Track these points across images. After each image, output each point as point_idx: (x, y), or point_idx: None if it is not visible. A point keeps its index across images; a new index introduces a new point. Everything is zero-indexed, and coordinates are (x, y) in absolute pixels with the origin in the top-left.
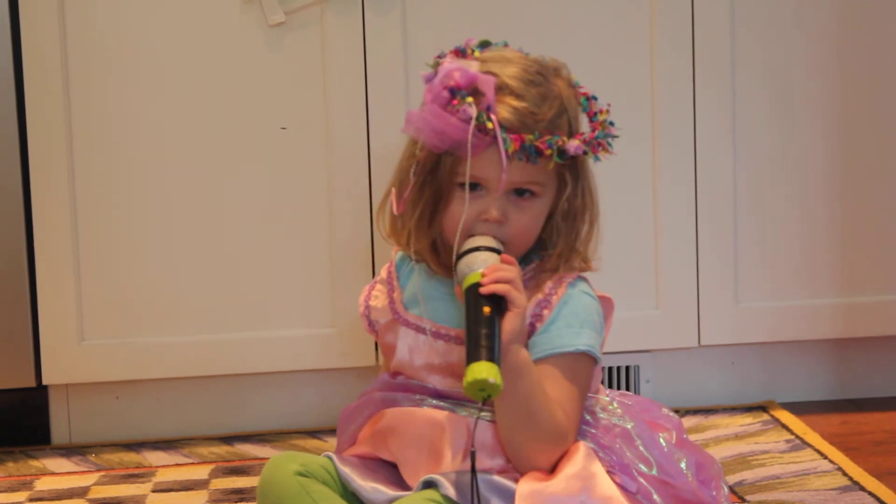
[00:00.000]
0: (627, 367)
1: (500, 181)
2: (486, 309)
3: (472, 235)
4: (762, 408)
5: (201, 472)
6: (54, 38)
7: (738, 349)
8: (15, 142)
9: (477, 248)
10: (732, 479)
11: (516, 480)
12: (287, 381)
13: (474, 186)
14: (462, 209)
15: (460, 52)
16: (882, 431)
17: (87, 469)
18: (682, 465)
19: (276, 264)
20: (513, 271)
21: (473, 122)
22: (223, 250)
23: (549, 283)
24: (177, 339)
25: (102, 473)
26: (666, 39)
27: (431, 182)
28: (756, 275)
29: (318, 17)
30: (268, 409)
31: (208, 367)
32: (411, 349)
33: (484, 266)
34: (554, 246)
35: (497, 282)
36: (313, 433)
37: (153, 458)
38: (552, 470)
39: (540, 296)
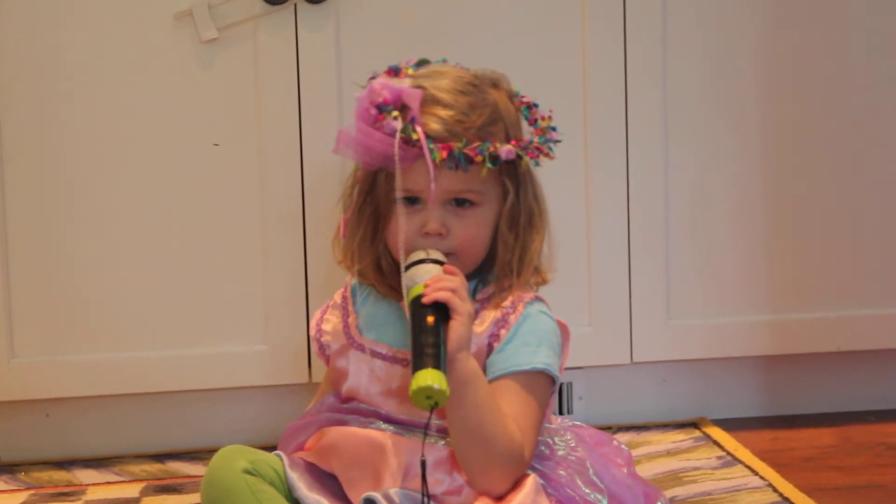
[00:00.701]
0: (561, 385)
1: (434, 191)
2: (430, 318)
3: (416, 251)
4: (694, 424)
5: (132, 490)
6: None
7: (670, 366)
8: None
9: (420, 261)
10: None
11: None
12: (219, 398)
13: (413, 201)
14: (403, 226)
15: (394, 71)
16: (812, 448)
17: (16, 487)
18: (633, 494)
19: (208, 281)
20: (455, 280)
21: (398, 135)
22: (155, 267)
23: (506, 303)
24: (108, 356)
25: (32, 492)
26: (599, 46)
27: (371, 201)
28: (688, 292)
29: (251, 34)
30: (200, 426)
31: (140, 385)
32: (366, 374)
33: (427, 277)
34: (506, 260)
35: (439, 289)
36: None
37: (84, 476)
38: (503, 497)
39: (497, 315)
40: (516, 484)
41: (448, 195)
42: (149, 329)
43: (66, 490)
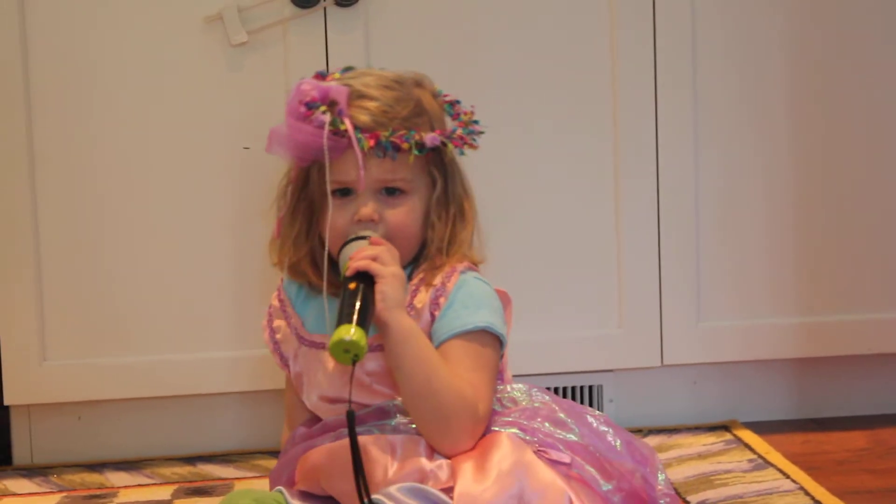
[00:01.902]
0: (591, 387)
1: (364, 181)
2: (351, 285)
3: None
4: (725, 427)
5: (164, 493)
6: (15, 55)
7: (700, 368)
8: None
9: (346, 242)
10: (695, 498)
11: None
12: (251, 401)
13: (345, 192)
14: (336, 216)
15: (320, 76)
16: (844, 451)
17: (49, 490)
18: (609, 436)
19: (241, 285)
20: (376, 248)
21: (327, 127)
22: (186, 270)
23: (441, 274)
24: (139, 359)
25: (64, 494)
26: (628, 50)
27: (304, 197)
28: (719, 294)
29: (280, 37)
30: (231, 428)
31: (171, 387)
32: (321, 371)
33: (352, 253)
34: (436, 246)
35: (359, 259)
36: (276, 453)
37: (115, 478)
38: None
39: (435, 284)
40: (490, 443)
41: (378, 184)
42: (180, 332)
43: (97, 492)
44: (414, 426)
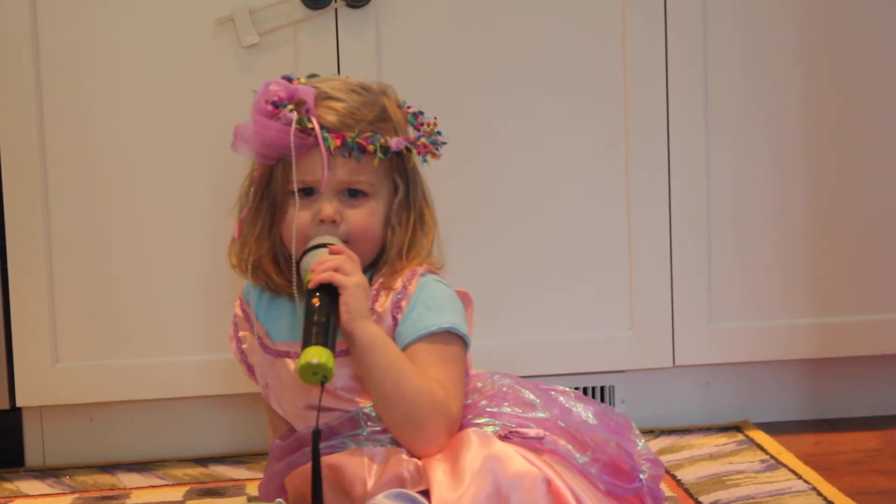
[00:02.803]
0: (602, 388)
1: (327, 181)
2: (314, 300)
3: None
4: (737, 428)
5: (176, 494)
6: (27, 61)
7: (712, 369)
8: None
9: (307, 250)
10: (707, 499)
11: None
12: (262, 402)
13: (309, 192)
14: (298, 215)
15: (286, 79)
16: (856, 451)
17: (61, 491)
18: (580, 408)
19: None
20: (337, 258)
21: (294, 125)
22: (196, 272)
23: (401, 278)
24: (151, 361)
25: (76, 496)
26: (639, 45)
27: (267, 196)
28: (730, 295)
29: (291, 38)
30: (243, 429)
31: (182, 389)
32: (290, 375)
33: (313, 263)
34: (395, 251)
35: (321, 271)
36: None
37: (127, 479)
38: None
39: (396, 288)
40: (458, 444)
41: (341, 185)
42: (192, 333)
43: (110, 494)
44: (386, 434)
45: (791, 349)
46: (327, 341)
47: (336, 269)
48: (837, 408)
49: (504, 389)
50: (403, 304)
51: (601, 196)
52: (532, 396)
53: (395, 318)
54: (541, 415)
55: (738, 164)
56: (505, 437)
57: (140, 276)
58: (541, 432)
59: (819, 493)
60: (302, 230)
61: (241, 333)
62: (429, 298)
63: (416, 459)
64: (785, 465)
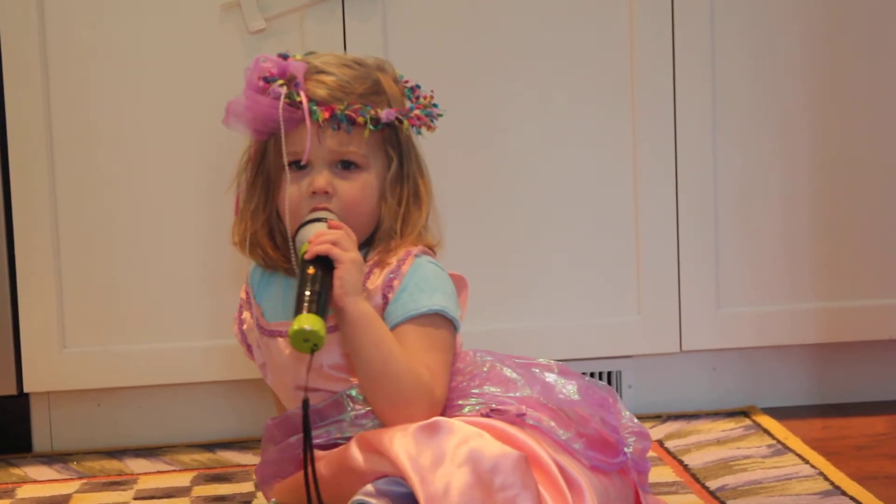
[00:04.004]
0: (609, 373)
1: (319, 154)
2: (310, 270)
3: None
4: (744, 413)
5: (183, 480)
6: (34, 47)
7: (719, 354)
8: None
9: (305, 223)
10: (714, 484)
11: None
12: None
13: (302, 166)
14: (291, 188)
15: (282, 57)
16: (864, 436)
17: (68, 477)
18: (561, 384)
19: None
20: (336, 233)
21: (283, 99)
22: (203, 257)
23: (395, 257)
24: (158, 346)
25: (84, 481)
26: (646, 40)
27: (262, 171)
28: (738, 280)
29: (298, 24)
30: (250, 415)
31: (190, 374)
32: (281, 358)
33: (311, 235)
34: (389, 225)
35: (319, 243)
36: None
37: (135, 465)
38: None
39: (390, 267)
40: (433, 430)
41: (333, 155)
42: (199, 318)
43: (117, 479)
44: (369, 418)
45: (798, 334)
46: (319, 310)
47: (333, 243)
48: (845, 392)
49: (485, 369)
50: (395, 283)
51: (608, 181)
52: (514, 374)
53: (385, 297)
54: (523, 393)
55: (744, 150)
56: (486, 416)
57: (147, 261)
58: (522, 409)
59: (826, 478)
60: (295, 203)
61: (243, 315)
62: (421, 280)
63: None
64: (792, 450)
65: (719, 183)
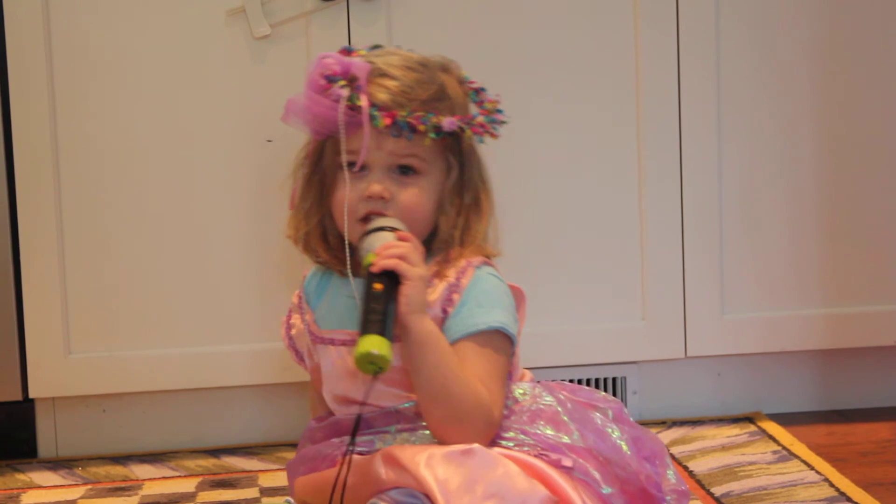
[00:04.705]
0: (614, 379)
1: (377, 158)
2: (377, 285)
3: (367, 221)
4: (749, 419)
5: (188, 485)
6: (40, 50)
7: (724, 360)
8: (1, 156)
9: (373, 230)
10: (719, 490)
11: None
12: (274, 393)
13: (360, 169)
14: (347, 190)
15: (346, 51)
16: (869, 442)
17: (73, 482)
18: (616, 435)
19: (262, 276)
20: (405, 246)
21: (344, 101)
22: (209, 263)
23: (455, 269)
24: (163, 352)
25: (89, 487)
26: (651, 44)
27: (318, 170)
28: (743, 285)
29: (303, 30)
30: (255, 421)
31: (194, 380)
32: (334, 365)
33: (378, 245)
34: (448, 234)
35: (387, 256)
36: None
37: (140, 471)
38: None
39: (449, 281)
40: (465, 454)
41: (391, 159)
42: (205, 324)
43: (122, 485)
44: (414, 433)
45: (803, 340)
46: (386, 331)
47: (401, 258)
48: (850, 398)
49: (542, 406)
50: (455, 297)
51: (614, 187)
52: (568, 419)
53: (444, 311)
54: (574, 440)
55: (749, 156)
56: (536, 457)
57: (152, 266)
58: (570, 461)
59: (831, 484)
60: (351, 207)
61: (292, 319)
62: (481, 294)
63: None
64: (797, 456)
65: (724, 189)
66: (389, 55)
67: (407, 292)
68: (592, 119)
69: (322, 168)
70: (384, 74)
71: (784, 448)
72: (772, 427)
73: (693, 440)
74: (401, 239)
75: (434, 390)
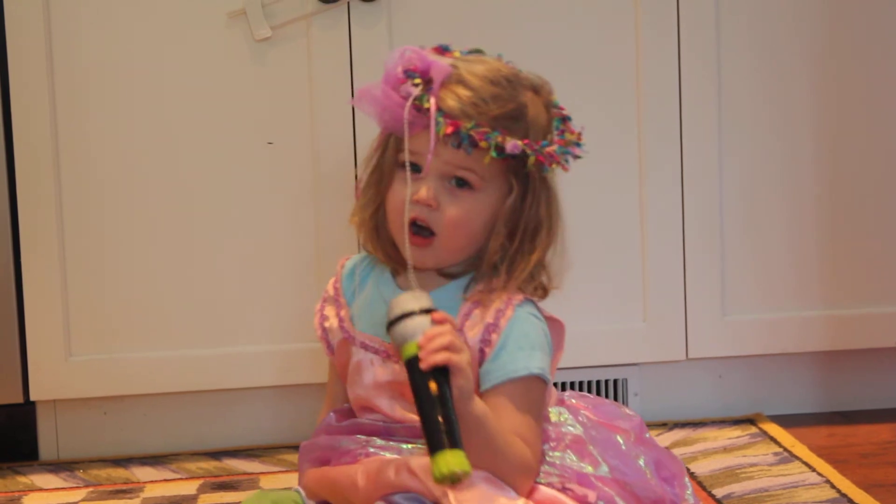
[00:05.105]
0: (615, 381)
1: (434, 164)
2: (433, 386)
3: (411, 226)
4: (750, 420)
5: (189, 488)
6: (40, 50)
7: (725, 362)
8: (2, 159)
9: (407, 315)
10: (720, 492)
11: None
12: (275, 395)
13: (417, 170)
14: (400, 190)
15: (441, 49)
16: (870, 444)
17: (75, 485)
18: (641, 462)
19: (263, 279)
20: (447, 333)
21: (411, 100)
22: (209, 265)
23: (495, 306)
24: (164, 355)
25: (90, 489)
26: (651, 42)
27: (379, 165)
28: (743, 288)
29: (304, 32)
30: (256, 423)
31: (195, 383)
32: (362, 367)
33: (419, 333)
34: (494, 261)
35: (434, 351)
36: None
37: (141, 473)
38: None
39: (488, 319)
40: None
41: (448, 168)
42: (204, 327)
43: (124, 487)
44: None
45: (804, 341)
46: (456, 438)
47: (449, 348)
48: (851, 400)
49: (567, 434)
50: (493, 337)
51: (614, 188)
52: (594, 449)
53: (482, 351)
54: (600, 471)
55: (750, 157)
56: (561, 490)
57: (153, 269)
58: (594, 496)
59: (832, 486)
60: (399, 206)
61: (326, 310)
62: (521, 336)
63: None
64: (798, 458)
65: (725, 190)
66: (477, 63)
67: (460, 384)
68: (593, 120)
69: (384, 162)
70: (461, 82)
71: (785, 449)
72: (773, 429)
73: (694, 442)
74: (437, 321)
75: (483, 460)
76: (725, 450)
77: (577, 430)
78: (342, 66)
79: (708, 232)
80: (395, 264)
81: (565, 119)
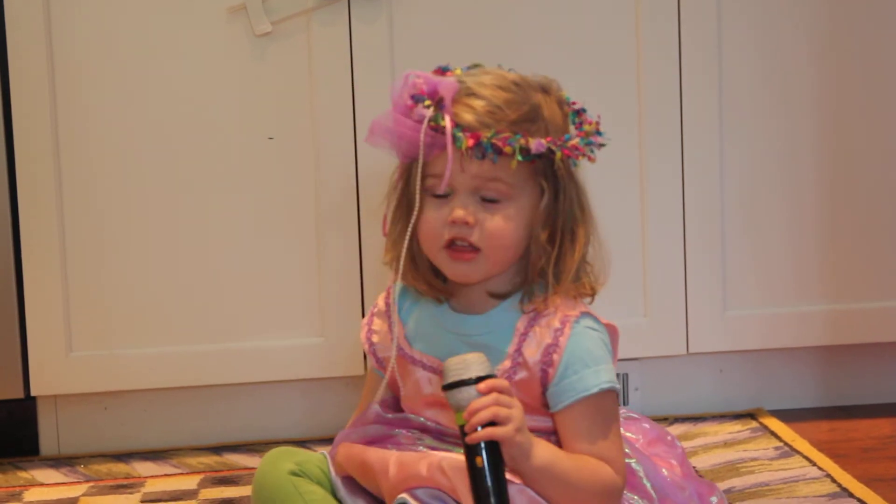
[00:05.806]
0: (616, 376)
1: (461, 181)
2: (478, 460)
3: (451, 248)
4: (751, 415)
5: (190, 483)
6: (40, 49)
7: (726, 357)
8: (2, 155)
9: (455, 385)
10: (721, 486)
11: None
12: (275, 390)
13: (445, 193)
14: (432, 216)
15: (441, 71)
16: (870, 438)
17: (75, 480)
18: (685, 495)
19: (263, 274)
20: (492, 406)
21: (427, 122)
22: (210, 261)
23: (553, 325)
24: (165, 350)
25: (91, 484)
26: (652, 40)
27: (405, 196)
28: (744, 282)
29: (304, 27)
30: (256, 418)
31: (196, 378)
32: (420, 384)
33: (464, 405)
34: (540, 266)
35: (478, 424)
36: (302, 443)
37: (142, 468)
38: None
39: (547, 340)
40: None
41: (477, 182)
42: (205, 322)
43: (124, 482)
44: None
45: (805, 336)
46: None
47: (494, 419)
48: (851, 395)
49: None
50: (555, 357)
51: (615, 185)
52: (648, 484)
53: (544, 371)
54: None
55: (751, 154)
56: None
57: (154, 264)
58: None
59: (833, 480)
60: (434, 232)
61: (374, 324)
62: (585, 353)
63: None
64: (799, 452)
65: (726, 186)
66: (483, 74)
67: (511, 453)
68: (594, 116)
69: (409, 192)
70: (472, 94)
71: (786, 444)
72: (773, 423)
73: (695, 436)
74: (483, 392)
75: (567, 499)
76: (726, 444)
77: (631, 462)
78: (342, 62)
79: (708, 227)
80: (438, 293)
81: (580, 111)
